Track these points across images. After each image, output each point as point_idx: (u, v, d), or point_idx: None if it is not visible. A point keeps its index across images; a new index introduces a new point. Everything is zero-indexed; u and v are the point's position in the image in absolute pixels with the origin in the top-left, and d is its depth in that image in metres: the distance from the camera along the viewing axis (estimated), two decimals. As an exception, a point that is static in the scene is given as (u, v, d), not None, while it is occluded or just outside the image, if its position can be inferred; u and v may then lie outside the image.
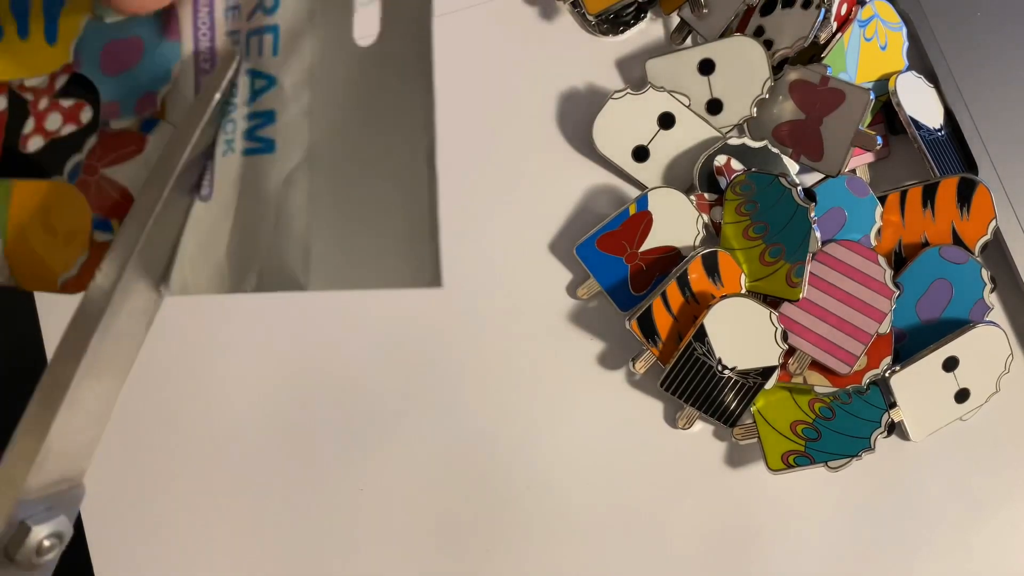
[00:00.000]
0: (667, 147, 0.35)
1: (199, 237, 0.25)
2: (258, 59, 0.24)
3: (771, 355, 0.33)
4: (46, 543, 0.17)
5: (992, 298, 0.34)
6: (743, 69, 0.35)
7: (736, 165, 0.34)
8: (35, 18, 0.26)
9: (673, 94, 0.35)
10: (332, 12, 0.23)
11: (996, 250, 0.35)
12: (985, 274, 0.34)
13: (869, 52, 0.35)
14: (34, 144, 0.26)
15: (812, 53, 0.35)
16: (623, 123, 0.35)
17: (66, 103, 0.26)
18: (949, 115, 0.35)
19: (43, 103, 0.26)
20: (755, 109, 0.35)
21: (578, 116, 0.36)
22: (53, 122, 0.26)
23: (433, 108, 0.21)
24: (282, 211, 0.23)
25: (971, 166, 0.35)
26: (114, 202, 0.26)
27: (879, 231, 0.34)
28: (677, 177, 0.36)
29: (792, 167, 0.35)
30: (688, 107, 0.35)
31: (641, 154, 0.36)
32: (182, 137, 0.22)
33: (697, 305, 0.34)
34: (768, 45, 0.35)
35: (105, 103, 0.26)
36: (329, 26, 0.23)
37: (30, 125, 0.26)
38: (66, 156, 0.26)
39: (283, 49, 0.24)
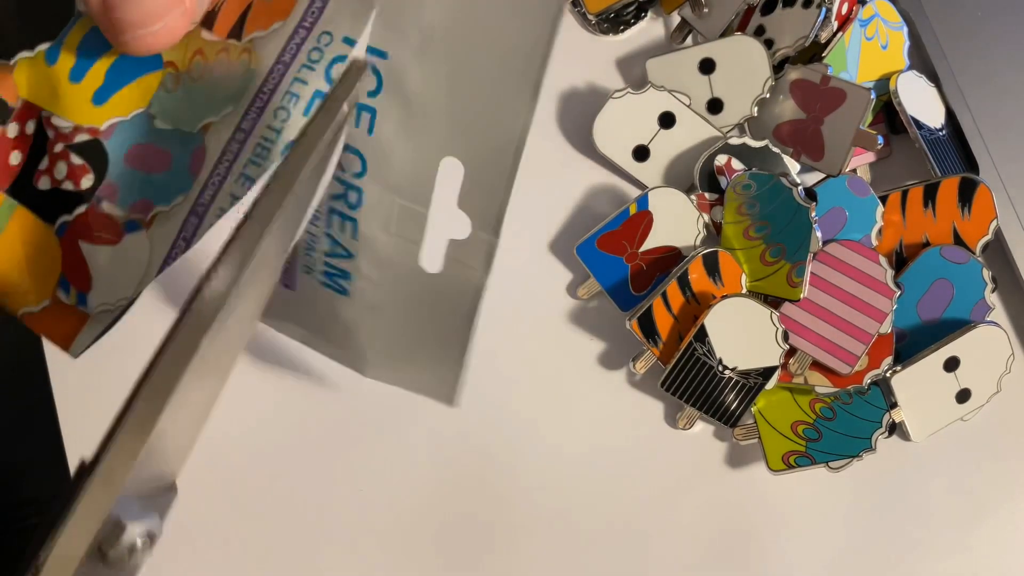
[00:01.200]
0: (667, 147, 0.35)
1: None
2: (340, 234, 0.28)
3: (772, 355, 0.33)
4: (139, 542, 0.17)
5: (993, 298, 0.34)
6: (744, 68, 0.34)
7: (737, 165, 0.34)
8: (94, 74, 0.26)
9: (674, 93, 0.35)
10: (407, 225, 0.27)
11: (997, 250, 0.35)
12: (986, 274, 0.34)
13: (870, 51, 0.35)
14: (43, 184, 0.27)
15: (813, 52, 0.35)
16: (623, 122, 0.35)
17: (76, 160, 0.26)
18: (950, 115, 0.35)
19: (58, 147, 0.26)
20: (756, 109, 0.35)
21: (578, 116, 0.36)
22: (60, 171, 0.26)
23: (468, 345, 0.27)
24: (349, 330, 0.29)
25: (972, 166, 0.35)
26: (79, 274, 0.27)
27: (880, 231, 0.34)
28: (678, 177, 0.36)
29: (793, 167, 0.35)
30: (689, 106, 0.35)
31: (641, 154, 0.35)
32: (305, 147, 0.22)
33: (698, 305, 0.34)
34: (769, 44, 0.34)
35: (108, 182, 0.26)
36: (401, 240, 0.27)
37: (44, 163, 0.27)
38: (60, 212, 0.27)
39: (360, 239, 0.28)
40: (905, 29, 0.35)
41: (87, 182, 0.26)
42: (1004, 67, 0.35)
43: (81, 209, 0.26)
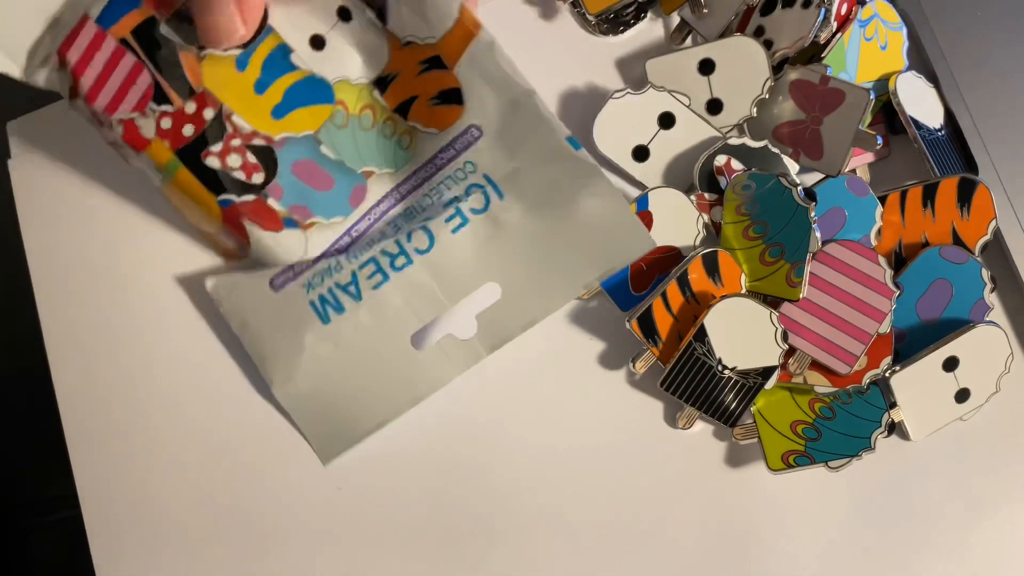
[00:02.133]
0: (667, 147, 0.35)
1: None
2: (366, 280, 0.33)
3: (771, 355, 0.33)
4: None
5: (992, 298, 0.34)
6: (743, 69, 0.35)
7: (736, 165, 0.34)
8: (275, 90, 0.31)
9: (673, 94, 0.35)
10: (425, 306, 0.33)
11: (996, 250, 0.35)
12: (985, 274, 0.34)
13: (869, 52, 0.35)
14: (210, 162, 0.31)
15: (812, 53, 0.35)
16: (623, 123, 0.35)
17: (251, 158, 0.31)
18: (949, 115, 0.35)
19: (235, 142, 0.31)
20: (755, 109, 0.35)
21: (578, 116, 0.36)
22: (233, 161, 0.31)
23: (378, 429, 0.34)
24: (298, 349, 0.33)
25: (971, 166, 0.35)
26: (240, 235, 0.32)
27: (879, 231, 0.34)
28: (677, 177, 0.36)
29: (792, 167, 0.35)
30: (688, 107, 0.35)
31: (641, 154, 0.36)
32: None
33: (697, 305, 0.34)
34: (768, 45, 0.35)
35: (275, 184, 0.32)
36: (410, 312, 0.33)
37: (217, 147, 0.31)
38: (223, 190, 0.32)
39: (379, 292, 0.33)
40: (904, 30, 0.35)
41: (257, 178, 0.31)
42: (1004, 67, 0.35)
43: (249, 197, 0.31)
